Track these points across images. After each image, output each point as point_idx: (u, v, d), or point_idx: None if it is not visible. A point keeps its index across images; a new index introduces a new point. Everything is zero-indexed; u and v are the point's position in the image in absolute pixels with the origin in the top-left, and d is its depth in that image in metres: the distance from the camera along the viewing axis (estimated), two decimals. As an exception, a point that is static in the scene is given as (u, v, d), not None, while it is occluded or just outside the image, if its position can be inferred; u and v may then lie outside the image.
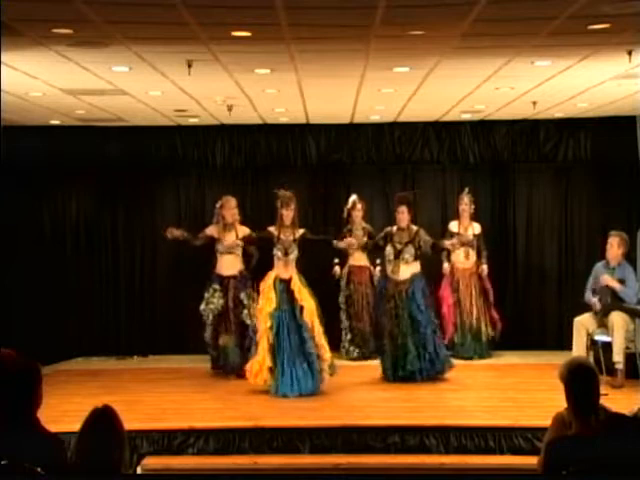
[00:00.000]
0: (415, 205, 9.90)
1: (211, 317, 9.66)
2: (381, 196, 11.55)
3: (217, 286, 9.69)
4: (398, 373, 9.12)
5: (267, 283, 8.80)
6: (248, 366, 8.83)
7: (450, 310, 10.64)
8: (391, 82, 8.25)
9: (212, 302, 9.64)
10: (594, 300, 9.19)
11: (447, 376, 9.37)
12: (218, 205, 9.87)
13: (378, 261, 10.24)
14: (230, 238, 9.73)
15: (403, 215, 9.29)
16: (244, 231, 9.69)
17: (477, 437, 7.30)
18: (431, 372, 9.18)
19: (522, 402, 8.30)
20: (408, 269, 9.23)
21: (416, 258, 9.26)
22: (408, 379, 9.07)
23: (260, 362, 8.66)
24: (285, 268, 8.77)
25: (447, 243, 9.78)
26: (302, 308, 8.64)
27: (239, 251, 9.76)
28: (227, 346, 9.63)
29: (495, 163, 11.66)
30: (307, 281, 8.87)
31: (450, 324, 10.62)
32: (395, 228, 9.37)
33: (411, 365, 9.07)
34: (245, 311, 9.61)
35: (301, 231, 8.89)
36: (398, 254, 9.23)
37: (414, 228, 9.36)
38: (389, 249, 9.30)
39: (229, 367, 9.63)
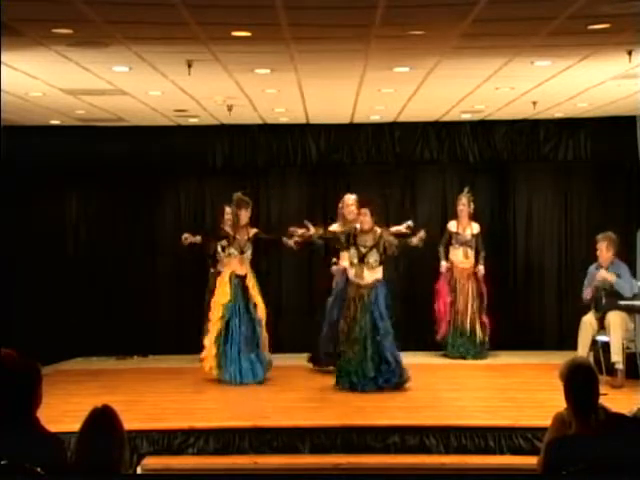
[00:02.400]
0: (384, 207, 9.74)
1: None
2: (381, 196, 11.54)
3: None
4: (353, 379, 8.72)
5: (223, 279, 9.46)
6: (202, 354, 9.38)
7: (445, 308, 10.64)
8: (391, 82, 8.25)
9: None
10: (588, 291, 9.23)
11: (442, 376, 9.41)
12: (340, 205, 9.93)
13: None
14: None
15: (365, 217, 8.88)
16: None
17: (477, 437, 7.30)
18: (393, 381, 8.76)
19: (522, 402, 8.30)
20: (371, 274, 8.83)
21: (380, 263, 8.90)
22: (364, 386, 8.69)
23: (208, 350, 9.29)
24: (240, 265, 9.42)
25: (414, 240, 9.31)
26: (255, 305, 9.34)
27: None
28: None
29: (495, 163, 11.66)
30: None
31: (444, 322, 10.63)
32: (359, 228, 8.99)
33: (369, 372, 8.68)
34: None
35: (254, 230, 9.54)
36: (362, 258, 8.86)
37: (378, 230, 8.94)
38: (353, 251, 8.90)
39: None
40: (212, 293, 10.34)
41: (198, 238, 9.91)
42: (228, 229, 9.83)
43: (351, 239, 8.95)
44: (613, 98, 9.35)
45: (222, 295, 9.35)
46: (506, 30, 6.18)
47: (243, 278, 9.39)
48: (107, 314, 11.28)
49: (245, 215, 9.41)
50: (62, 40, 6.17)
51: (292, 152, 11.57)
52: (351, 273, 8.94)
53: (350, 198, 9.87)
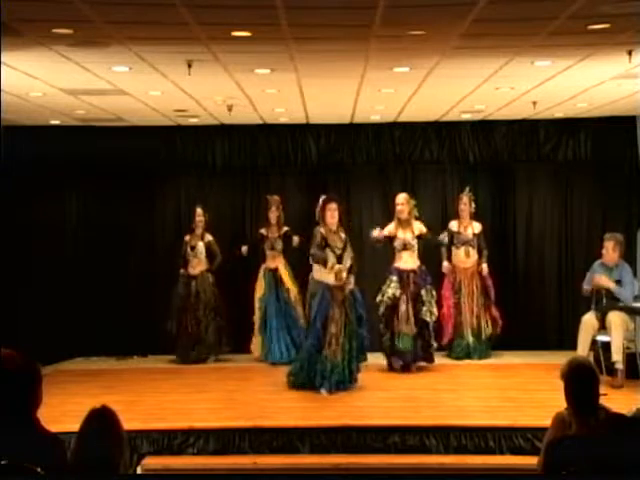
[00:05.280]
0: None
1: (382, 309, 9.71)
2: (381, 196, 11.55)
3: (395, 277, 9.78)
4: (339, 378, 8.67)
5: (259, 274, 10.62)
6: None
7: (450, 311, 10.62)
8: (391, 82, 8.25)
9: (387, 292, 9.73)
10: (588, 288, 9.25)
11: (443, 376, 9.48)
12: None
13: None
14: (404, 235, 9.84)
15: (335, 212, 8.83)
16: (420, 228, 9.96)
17: (477, 437, 7.30)
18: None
19: (522, 402, 8.30)
20: (346, 271, 8.87)
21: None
22: (342, 384, 8.71)
23: (255, 337, 10.55)
24: (273, 260, 10.61)
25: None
26: (288, 289, 10.46)
27: (415, 247, 9.89)
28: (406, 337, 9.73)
29: (495, 163, 11.66)
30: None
31: (450, 325, 10.61)
32: (325, 231, 8.87)
33: (353, 370, 8.78)
34: (424, 308, 9.75)
35: (285, 229, 10.58)
36: (339, 259, 8.80)
37: (341, 230, 8.96)
38: (329, 254, 8.80)
39: (407, 358, 9.73)
40: (180, 296, 10.64)
41: (244, 249, 10.67)
42: (264, 231, 10.55)
43: (322, 243, 8.85)
44: (613, 98, 9.35)
45: (258, 289, 10.59)
46: (506, 30, 6.19)
47: (274, 271, 10.56)
48: (107, 314, 11.26)
49: (273, 215, 10.53)
50: (62, 40, 6.17)
51: (292, 152, 11.59)
52: (330, 279, 8.80)
53: (400, 197, 9.93)
